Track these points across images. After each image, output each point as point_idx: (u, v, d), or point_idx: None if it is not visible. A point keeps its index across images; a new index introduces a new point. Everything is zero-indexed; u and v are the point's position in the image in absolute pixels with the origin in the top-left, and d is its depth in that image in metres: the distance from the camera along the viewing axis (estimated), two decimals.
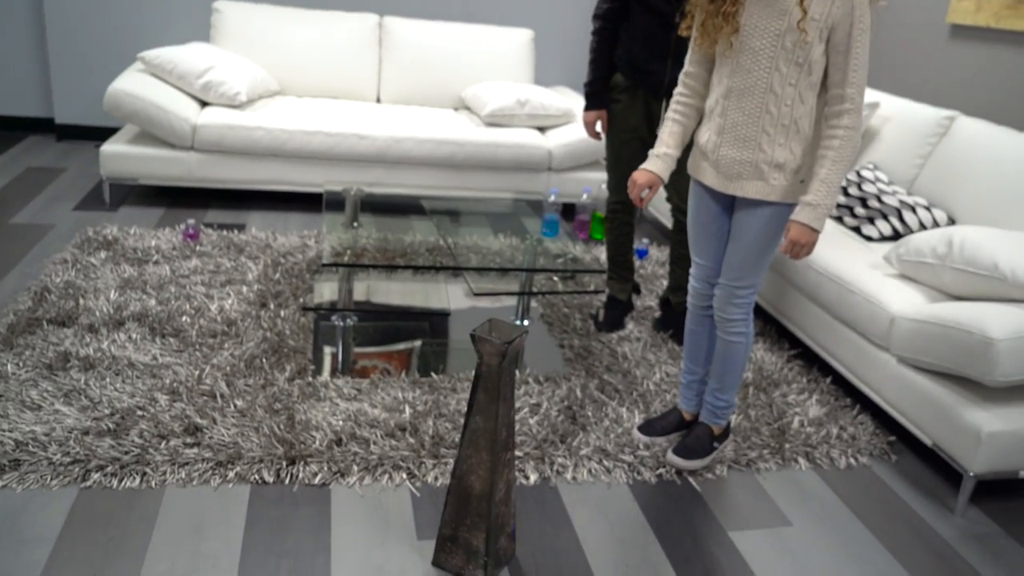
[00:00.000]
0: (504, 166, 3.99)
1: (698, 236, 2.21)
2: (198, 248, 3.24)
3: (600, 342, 2.88)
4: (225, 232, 3.45)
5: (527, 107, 4.05)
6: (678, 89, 2.16)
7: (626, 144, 2.78)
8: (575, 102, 4.45)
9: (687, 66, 2.13)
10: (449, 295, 3.17)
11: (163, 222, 3.55)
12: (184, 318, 2.67)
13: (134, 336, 2.53)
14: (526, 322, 2.98)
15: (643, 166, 2.16)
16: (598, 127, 2.85)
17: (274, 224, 3.70)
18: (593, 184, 4.09)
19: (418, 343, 2.75)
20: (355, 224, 3.10)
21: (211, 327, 2.63)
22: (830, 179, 1.90)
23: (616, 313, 3.01)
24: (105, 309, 2.67)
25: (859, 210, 3.05)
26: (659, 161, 2.15)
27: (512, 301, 3.16)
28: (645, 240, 3.77)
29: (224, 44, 4.20)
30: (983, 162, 2.91)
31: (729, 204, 2.14)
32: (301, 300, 2.90)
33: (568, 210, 4.16)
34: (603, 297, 3.24)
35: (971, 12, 3.41)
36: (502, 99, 4.04)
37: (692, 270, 2.28)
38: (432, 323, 2.95)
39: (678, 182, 2.80)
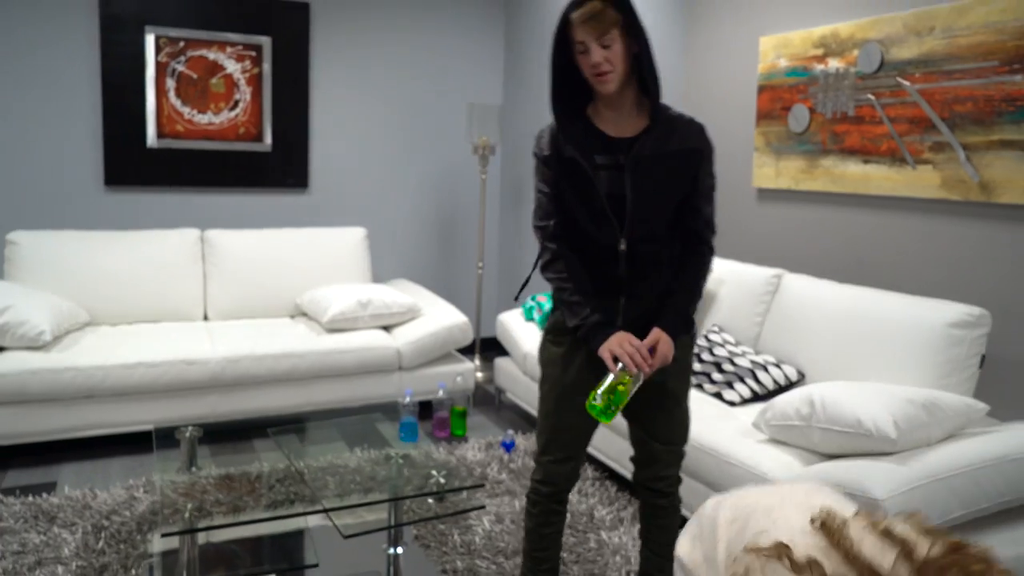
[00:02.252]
0: (352, 372, 3.77)
1: None
2: None
3: (486, 558, 2.63)
4: (30, 497, 2.94)
5: (369, 308, 3.90)
6: None
7: (563, 399, 2.06)
8: (418, 296, 4.37)
9: None
10: (312, 524, 2.82)
11: None
12: None
13: None
14: (400, 550, 2.68)
15: None
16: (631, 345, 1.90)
17: (92, 477, 3.21)
18: (447, 378, 3.94)
19: None
20: (193, 467, 2.73)
21: None
22: None
23: None
24: None
25: (716, 375, 3.09)
26: None
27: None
28: (510, 431, 3.62)
29: (22, 278, 3.80)
30: (815, 315, 3.06)
31: None
32: (133, 573, 2.46)
33: (425, 408, 3.96)
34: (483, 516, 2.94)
35: (772, 177, 3.72)
36: (342, 302, 3.88)
37: None
38: (291, 563, 2.59)
39: (650, 426, 2.08)
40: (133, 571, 2.47)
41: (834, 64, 3.43)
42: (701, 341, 3.28)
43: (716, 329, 3.33)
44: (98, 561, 2.51)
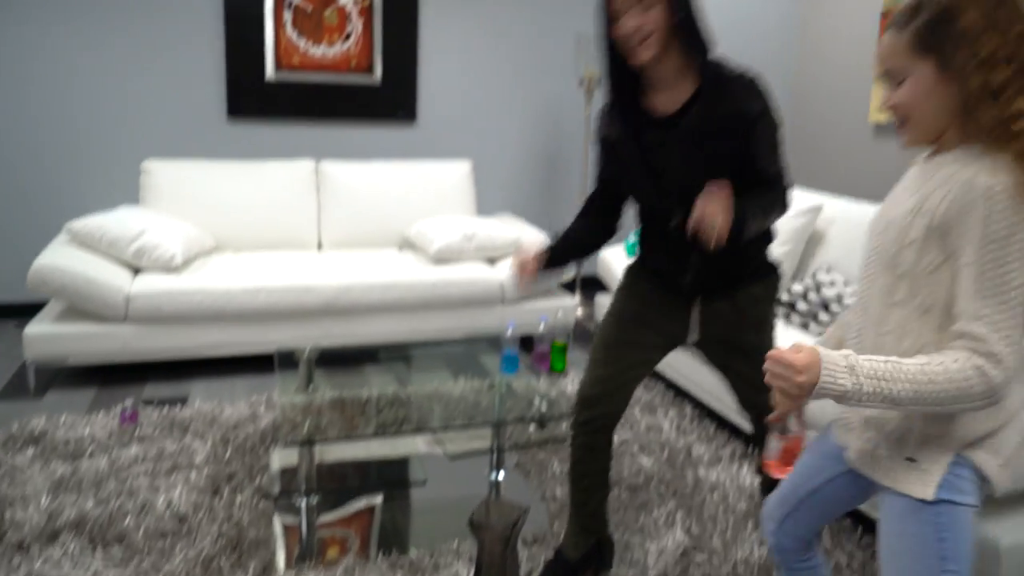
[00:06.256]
0: (457, 303, 3.88)
1: (792, 477, 1.59)
2: (138, 432, 2.99)
3: None
4: (166, 409, 3.21)
5: (475, 241, 3.98)
6: None
7: (610, 326, 2.08)
8: (522, 230, 4.42)
9: None
10: (417, 448, 2.97)
11: (96, 404, 3.29)
12: (128, 520, 2.41)
13: (71, 550, 2.25)
14: (501, 474, 2.79)
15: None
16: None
17: (219, 392, 3.47)
18: (549, 312, 4.00)
19: (388, 511, 2.53)
20: (310, 387, 2.91)
21: (159, 527, 2.37)
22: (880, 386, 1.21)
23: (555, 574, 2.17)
24: (36, 520, 2.38)
25: (822, 316, 3.02)
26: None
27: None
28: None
29: (155, 205, 4.06)
30: None
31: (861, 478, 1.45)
32: (258, 481, 2.67)
33: (526, 342, 4.04)
34: None
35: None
36: (448, 235, 3.97)
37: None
38: (400, 480, 2.75)
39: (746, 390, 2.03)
40: (257, 480, 2.68)
41: None
42: (807, 280, 3.19)
43: (825, 269, 3.23)
44: (226, 470, 2.73)
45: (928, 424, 1.29)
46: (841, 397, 1.20)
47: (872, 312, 1.34)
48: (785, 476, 1.53)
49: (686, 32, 1.75)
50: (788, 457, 1.50)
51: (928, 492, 1.27)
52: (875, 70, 1.38)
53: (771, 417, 1.45)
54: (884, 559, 1.34)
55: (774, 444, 1.48)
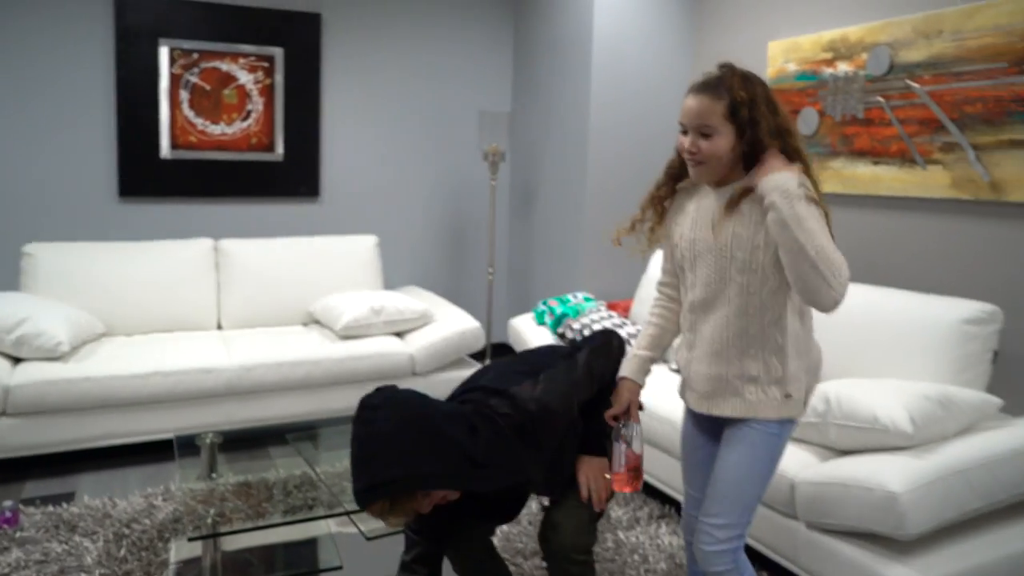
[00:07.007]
0: (366, 378, 3.79)
1: (685, 464, 2.08)
2: (18, 535, 2.74)
3: (504, 559, 2.64)
4: (51, 507, 2.96)
5: (383, 314, 3.93)
6: (654, 296, 2.09)
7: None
8: (430, 302, 4.40)
9: (661, 276, 2.08)
10: (331, 529, 2.84)
11: None
12: None
13: None
14: None
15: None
16: None
17: (110, 486, 3.23)
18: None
19: None
20: (212, 475, 2.75)
21: None
22: (808, 215, 1.65)
23: None
24: None
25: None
26: (631, 362, 2.02)
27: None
28: None
29: (38, 290, 3.83)
30: (827, 316, 3.07)
31: (717, 430, 1.97)
32: None
33: None
34: None
35: None
36: (355, 310, 3.91)
37: (684, 499, 2.12)
38: (312, 566, 2.61)
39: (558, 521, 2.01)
40: None
41: (843, 67, 3.46)
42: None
43: None
44: (120, 569, 2.53)
45: (796, 365, 1.83)
46: (790, 201, 1.64)
47: (735, 303, 1.81)
48: (632, 491, 1.95)
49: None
50: (634, 472, 1.91)
51: (805, 411, 1.88)
52: (687, 121, 1.80)
53: (609, 413, 1.95)
54: (726, 469, 1.83)
55: (621, 450, 1.89)
